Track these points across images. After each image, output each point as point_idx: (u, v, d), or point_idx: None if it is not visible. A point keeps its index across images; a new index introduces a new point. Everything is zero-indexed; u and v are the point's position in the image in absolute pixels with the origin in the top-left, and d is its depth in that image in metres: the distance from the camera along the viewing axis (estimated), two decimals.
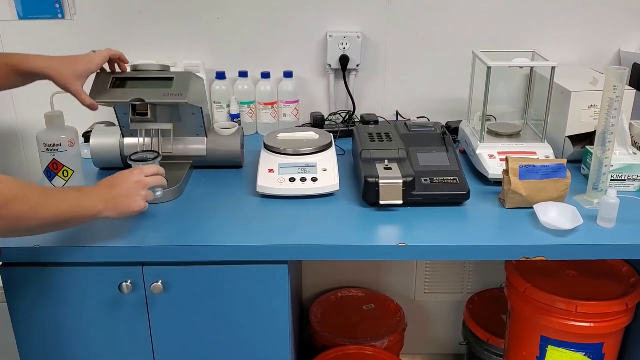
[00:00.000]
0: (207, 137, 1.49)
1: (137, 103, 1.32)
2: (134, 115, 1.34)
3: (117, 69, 1.36)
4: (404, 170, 1.32)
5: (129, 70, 1.37)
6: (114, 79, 1.33)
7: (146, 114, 1.33)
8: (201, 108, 1.42)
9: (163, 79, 1.35)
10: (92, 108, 1.27)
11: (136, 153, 1.32)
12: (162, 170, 1.23)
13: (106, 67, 1.35)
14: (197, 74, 1.74)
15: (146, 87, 1.33)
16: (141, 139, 1.42)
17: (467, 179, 1.35)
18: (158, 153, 1.34)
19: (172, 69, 1.73)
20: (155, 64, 1.42)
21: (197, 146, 1.49)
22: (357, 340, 1.82)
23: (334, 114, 1.82)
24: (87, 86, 1.33)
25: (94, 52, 1.29)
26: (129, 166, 1.47)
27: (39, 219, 1.00)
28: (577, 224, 1.20)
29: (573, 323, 1.41)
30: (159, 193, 1.24)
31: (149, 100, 1.31)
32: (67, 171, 1.31)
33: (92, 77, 1.32)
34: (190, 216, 1.29)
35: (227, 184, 1.45)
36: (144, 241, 1.19)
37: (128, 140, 1.48)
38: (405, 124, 1.54)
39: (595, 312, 1.40)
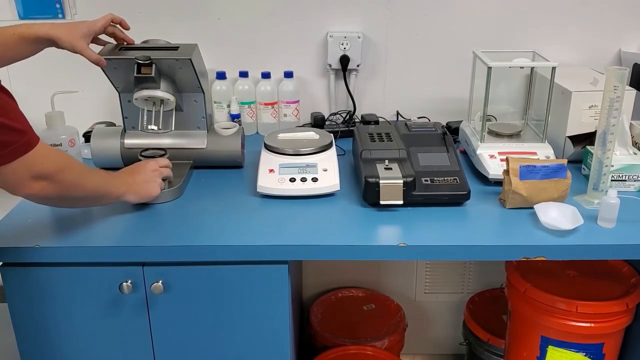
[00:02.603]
0: (207, 132, 1.49)
1: (142, 62, 1.33)
2: (139, 74, 1.34)
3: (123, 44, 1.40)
4: (404, 170, 1.32)
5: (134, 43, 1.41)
6: (120, 48, 1.37)
7: (150, 74, 1.34)
8: (203, 94, 1.43)
9: (169, 48, 1.39)
10: (99, 63, 1.29)
11: (146, 150, 1.40)
12: (170, 164, 1.35)
13: (111, 41, 1.39)
14: None
15: (152, 52, 1.36)
16: (142, 121, 1.41)
17: (467, 179, 1.35)
18: (165, 151, 1.40)
19: None
20: (163, 39, 1.45)
21: (197, 141, 1.49)
22: (357, 341, 1.82)
23: (335, 114, 1.82)
24: (84, 127, 1.33)
25: None
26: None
27: (83, 188, 1.13)
28: (578, 224, 1.20)
29: (573, 323, 1.41)
30: (163, 186, 1.32)
31: (154, 57, 1.33)
32: None
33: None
34: (190, 216, 1.29)
35: (227, 184, 1.45)
36: (144, 241, 1.19)
37: (128, 141, 1.48)
38: (406, 124, 1.54)
39: (596, 312, 1.39)
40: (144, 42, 1.43)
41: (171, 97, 1.39)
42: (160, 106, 1.40)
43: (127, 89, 1.41)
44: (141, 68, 1.33)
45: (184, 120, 1.48)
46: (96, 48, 1.32)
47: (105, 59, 1.30)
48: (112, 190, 1.21)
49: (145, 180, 1.27)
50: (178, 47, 1.39)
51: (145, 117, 1.39)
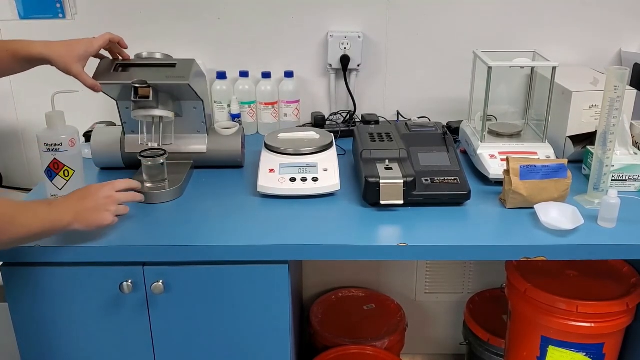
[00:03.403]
0: (207, 134, 1.49)
1: (139, 86, 1.31)
2: (136, 98, 1.32)
3: (119, 58, 1.37)
4: (405, 170, 1.32)
5: (131, 57, 1.38)
6: (117, 65, 1.34)
7: (148, 97, 1.32)
8: (202, 102, 1.42)
9: (166, 65, 1.36)
10: (95, 89, 1.27)
11: (145, 150, 1.36)
12: (134, 184, 1.25)
13: (107, 55, 1.36)
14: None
15: (149, 71, 1.33)
16: (142, 134, 1.40)
17: (467, 179, 1.35)
18: (165, 151, 1.37)
19: None
20: (159, 52, 1.42)
21: (197, 145, 1.49)
22: (357, 340, 1.82)
23: (335, 113, 1.82)
24: (85, 127, 1.33)
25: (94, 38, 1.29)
26: (130, 166, 1.49)
27: (10, 235, 1.02)
28: (578, 224, 1.20)
29: (574, 323, 1.41)
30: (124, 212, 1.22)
31: (151, 82, 1.31)
32: (67, 171, 1.31)
33: (94, 65, 1.32)
34: (190, 216, 1.29)
35: (227, 183, 1.45)
36: (144, 241, 1.19)
37: (129, 140, 1.48)
38: (406, 123, 1.54)
39: (596, 312, 1.39)
40: (138, 56, 1.39)
41: (170, 114, 1.38)
42: (160, 122, 1.39)
43: (124, 97, 1.40)
44: (138, 90, 1.31)
45: (184, 124, 1.47)
46: (92, 61, 1.31)
47: (101, 84, 1.28)
48: (55, 223, 1.09)
49: (96, 207, 1.14)
50: (175, 64, 1.35)
51: (145, 133, 1.39)
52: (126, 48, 1.35)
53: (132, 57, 1.39)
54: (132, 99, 1.32)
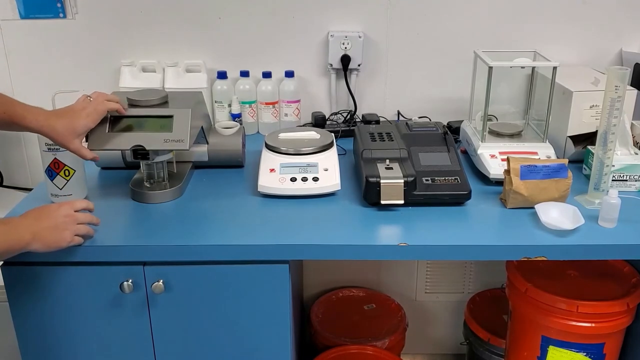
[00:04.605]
0: (207, 143, 1.49)
1: (138, 150, 1.29)
2: (135, 158, 1.31)
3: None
4: (405, 170, 1.32)
5: (125, 101, 1.33)
6: (111, 120, 1.29)
7: (147, 157, 1.31)
8: (202, 126, 1.42)
9: (162, 117, 1.30)
10: (95, 160, 1.25)
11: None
12: (91, 205, 1.21)
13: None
14: (199, 72, 1.75)
15: (145, 128, 1.29)
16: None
17: (468, 178, 1.35)
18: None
19: (173, 69, 1.74)
20: (153, 91, 1.38)
21: (198, 145, 1.49)
22: (358, 340, 1.82)
23: (335, 113, 1.82)
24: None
25: (89, 97, 1.24)
26: (131, 166, 1.49)
27: None
28: (578, 224, 1.20)
29: (574, 323, 1.41)
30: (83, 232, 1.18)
31: (149, 148, 1.28)
32: (68, 170, 1.31)
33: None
34: (191, 216, 1.29)
35: (228, 183, 1.45)
36: (145, 241, 1.19)
37: None
38: (407, 123, 1.54)
39: (596, 312, 1.39)
40: (130, 100, 1.32)
41: (170, 156, 1.37)
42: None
43: None
44: (138, 152, 1.30)
45: None
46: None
47: (100, 150, 1.25)
48: (13, 244, 1.06)
49: (55, 226, 1.11)
50: (172, 116, 1.29)
51: (145, 175, 1.38)
52: (124, 114, 1.30)
53: (126, 92, 1.36)
54: (132, 158, 1.31)
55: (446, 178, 1.33)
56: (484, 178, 1.45)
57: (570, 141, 1.52)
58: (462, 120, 1.66)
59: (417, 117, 1.81)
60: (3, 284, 1.22)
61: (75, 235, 1.14)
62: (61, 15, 1.74)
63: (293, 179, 1.36)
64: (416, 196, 1.30)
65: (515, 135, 1.53)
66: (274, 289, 1.23)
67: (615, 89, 1.24)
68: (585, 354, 1.46)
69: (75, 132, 1.19)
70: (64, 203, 1.16)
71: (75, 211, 1.15)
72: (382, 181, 1.28)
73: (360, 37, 1.74)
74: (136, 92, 1.36)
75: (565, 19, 1.75)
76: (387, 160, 1.36)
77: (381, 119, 1.78)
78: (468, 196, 1.32)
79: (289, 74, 1.76)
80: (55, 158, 1.29)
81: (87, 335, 1.27)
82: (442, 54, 1.78)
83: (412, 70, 1.81)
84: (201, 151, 1.49)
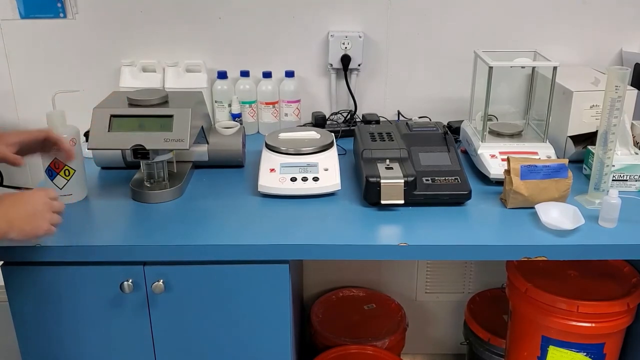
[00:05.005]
0: (208, 143, 1.49)
1: (139, 149, 1.29)
2: (135, 158, 1.31)
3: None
4: (405, 170, 1.32)
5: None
6: (112, 118, 1.29)
7: (147, 156, 1.32)
8: (202, 126, 1.42)
9: (162, 116, 1.30)
10: (19, 165, 1.18)
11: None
12: (58, 195, 1.16)
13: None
14: (199, 72, 1.75)
15: (145, 128, 1.29)
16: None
17: (468, 178, 1.35)
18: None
19: (173, 69, 1.74)
20: (153, 91, 1.38)
21: (198, 145, 1.49)
22: (358, 340, 1.82)
23: (336, 113, 1.82)
24: (85, 126, 1.33)
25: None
26: (131, 165, 1.49)
27: None
28: (579, 224, 1.20)
29: (574, 323, 1.41)
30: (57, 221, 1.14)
31: (149, 147, 1.29)
32: (68, 170, 1.31)
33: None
34: (191, 215, 1.29)
35: (228, 183, 1.45)
36: (145, 240, 1.19)
37: None
38: (407, 123, 1.54)
39: (597, 312, 1.39)
40: (131, 100, 1.32)
41: (170, 156, 1.37)
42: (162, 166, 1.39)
43: None
44: (138, 152, 1.29)
45: None
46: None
47: (97, 149, 1.26)
48: None
49: (33, 213, 1.06)
50: (172, 116, 1.29)
51: (145, 175, 1.38)
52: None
53: (127, 91, 1.36)
54: (132, 158, 1.31)
55: (446, 178, 1.33)
56: (484, 178, 1.44)
57: (570, 141, 1.52)
58: (462, 120, 1.66)
59: (417, 117, 1.81)
60: (3, 284, 1.22)
61: (51, 224, 1.09)
62: (61, 15, 1.74)
63: (293, 179, 1.36)
64: (416, 196, 1.30)
65: (516, 135, 1.53)
66: (274, 289, 1.23)
67: (616, 89, 1.24)
68: (585, 354, 1.45)
69: (7, 140, 1.16)
70: (37, 190, 1.11)
71: (50, 198, 1.11)
72: (382, 181, 1.28)
73: (360, 37, 1.74)
74: (136, 92, 1.36)
75: (565, 19, 1.75)
76: (387, 160, 1.36)
77: (381, 119, 1.78)
78: (468, 196, 1.32)
79: (289, 74, 1.76)
80: (55, 158, 1.29)
81: (87, 335, 1.27)
82: (442, 54, 1.78)
83: (412, 70, 1.81)
84: (201, 151, 1.49)
